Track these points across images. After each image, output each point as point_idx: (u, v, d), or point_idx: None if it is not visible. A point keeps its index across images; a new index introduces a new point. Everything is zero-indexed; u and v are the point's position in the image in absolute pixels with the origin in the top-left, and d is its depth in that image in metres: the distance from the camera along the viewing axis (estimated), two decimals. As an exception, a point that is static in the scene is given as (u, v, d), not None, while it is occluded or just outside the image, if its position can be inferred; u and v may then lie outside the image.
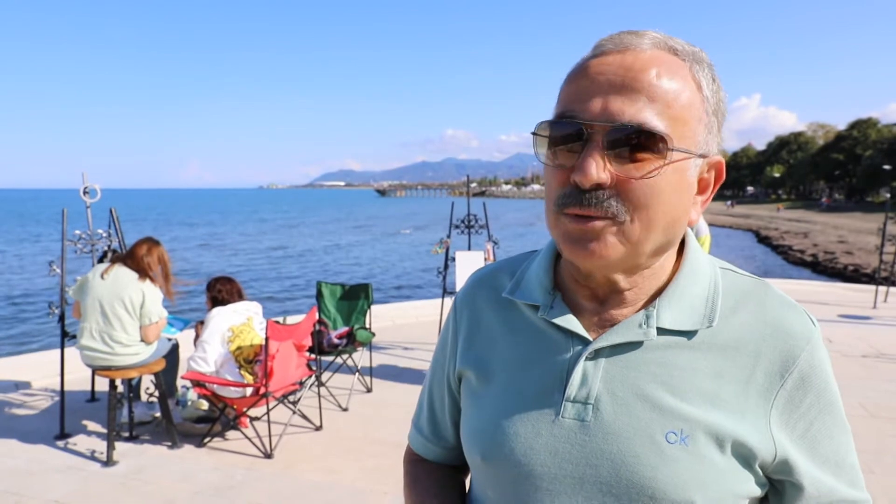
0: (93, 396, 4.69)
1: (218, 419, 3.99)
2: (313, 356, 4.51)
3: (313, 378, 4.45)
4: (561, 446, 0.71)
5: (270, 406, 3.89)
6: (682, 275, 0.74)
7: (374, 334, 5.10)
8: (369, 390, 4.94)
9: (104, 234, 4.59)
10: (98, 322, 3.68)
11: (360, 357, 5.28)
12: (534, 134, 0.70)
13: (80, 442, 3.92)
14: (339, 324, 5.24)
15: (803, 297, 8.72)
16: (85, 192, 4.55)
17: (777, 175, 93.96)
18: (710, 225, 5.05)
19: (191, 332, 5.12)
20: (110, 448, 3.62)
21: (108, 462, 3.60)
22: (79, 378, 4.87)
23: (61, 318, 4.19)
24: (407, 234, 39.35)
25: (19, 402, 4.65)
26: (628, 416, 0.69)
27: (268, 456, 3.69)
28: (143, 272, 3.79)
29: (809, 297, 8.85)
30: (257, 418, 4.18)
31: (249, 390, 3.82)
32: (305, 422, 4.20)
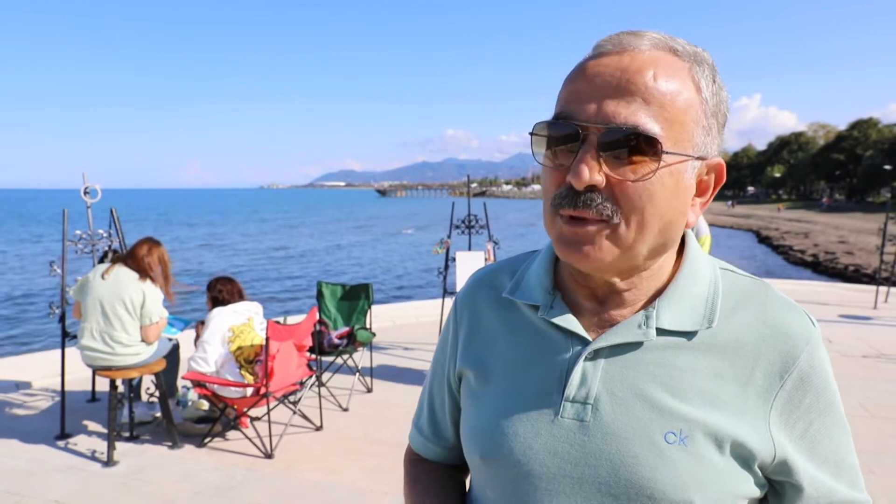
0: (93, 396, 4.70)
1: (218, 419, 3.99)
2: (314, 356, 4.51)
3: (314, 378, 4.45)
4: (560, 446, 0.71)
5: (271, 406, 3.89)
6: (681, 275, 0.74)
7: (374, 334, 5.10)
8: (370, 390, 4.94)
9: (105, 235, 4.60)
10: (99, 322, 3.68)
11: (361, 357, 5.28)
12: (532, 134, 0.70)
13: (80, 442, 3.92)
14: (339, 324, 5.24)
15: (804, 298, 8.72)
16: (86, 193, 4.55)
17: (778, 175, 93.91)
18: (711, 225, 5.05)
19: (191, 333, 5.13)
20: (111, 448, 3.62)
21: (109, 462, 3.60)
22: (79, 378, 4.88)
23: (62, 319, 4.19)
24: (408, 235, 39.36)
25: (20, 402, 4.65)
26: (627, 416, 0.69)
27: (268, 456, 3.69)
28: (144, 272, 3.79)
29: (810, 298, 8.84)
30: (258, 418, 4.18)
31: (250, 390, 3.82)
32: (306, 422, 4.20)
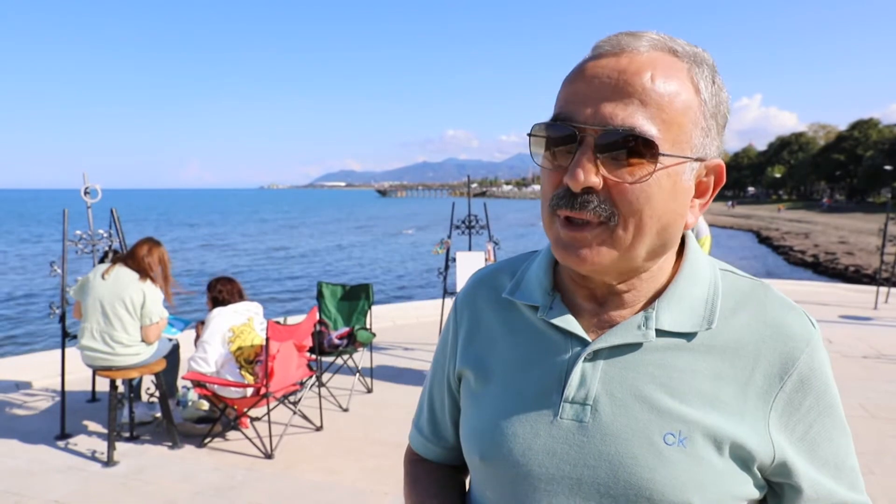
0: (93, 397, 4.70)
1: (218, 419, 3.99)
2: (314, 357, 4.51)
3: (314, 378, 4.45)
4: (559, 447, 0.71)
5: (271, 406, 3.89)
6: (681, 276, 0.73)
7: (374, 335, 5.10)
8: (370, 391, 4.94)
9: (105, 235, 4.60)
10: (99, 322, 3.68)
11: (361, 357, 5.28)
12: (530, 135, 0.70)
13: (80, 442, 3.92)
14: (339, 324, 5.24)
15: (804, 298, 8.72)
16: (86, 193, 4.55)
17: (778, 175, 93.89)
18: (711, 225, 5.05)
19: (191, 333, 5.13)
20: (111, 448, 3.62)
21: (109, 462, 3.60)
22: (79, 378, 4.88)
23: (62, 319, 4.19)
24: (409, 235, 39.36)
25: (20, 403, 4.65)
26: (626, 417, 0.69)
27: (268, 456, 3.69)
28: (144, 272, 3.79)
29: (810, 298, 8.84)
30: (258, 419, 4.18)
31: (250, 391, 3.82)
32: (306, 422, 4.20)
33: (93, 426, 4.18)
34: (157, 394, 4.25)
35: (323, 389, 4.69)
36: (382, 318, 7.41)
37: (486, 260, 5.43)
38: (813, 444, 0.71)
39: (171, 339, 4.27)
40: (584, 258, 0.66)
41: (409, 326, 7.33)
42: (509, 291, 0.82)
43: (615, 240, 0.66)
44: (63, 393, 4.10)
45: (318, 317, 4.38)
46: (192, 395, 4.27)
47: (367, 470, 3.54)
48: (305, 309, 9.03)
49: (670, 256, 0.75)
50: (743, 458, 0.68)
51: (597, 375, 0.71)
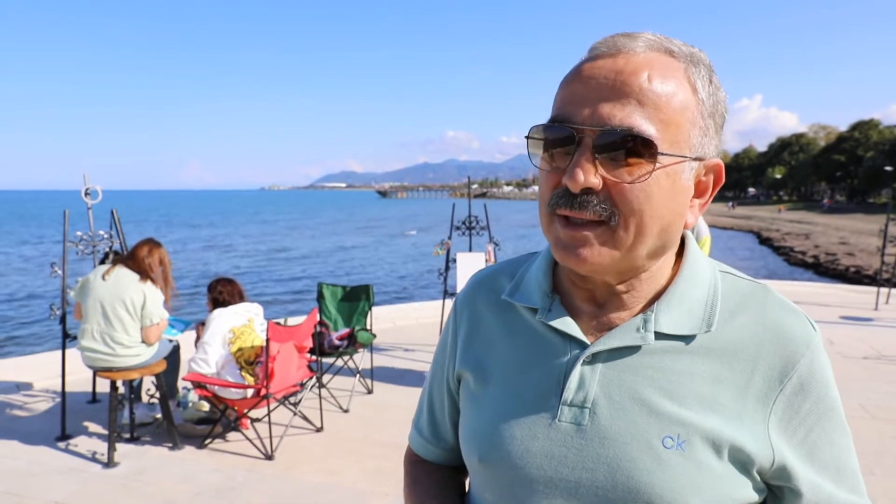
0: (94, 398, 4.70)
1: (219, 420, 3.99)
2: (314, 358, 4.51)
3: (314, 379, 4.45)
4: (557, 450, 0.71)
5: (271, 407, 3.89)
6: (681, 278, 0.73)
7: (374, 336, 5.10)
8: (370, 392, 4.94)
9: (105, 236, 4.60)
10: (99, 323, 3.68)
11: (361, 358, 5.28)
12: (528, 137, 0.70)
13: (81, 443, 3.92)
14: (339, 325, 5.24)
15: (805, 299, 8.72)
16: (86, 194, 4.56)
17: (778, 176, 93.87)
18: (711, 226, 5.05)
19: (192, 334, 5.13)
20: (111, 449, 3.62)
21: (109, 463, 3.60)
22: (80, 379, 4.88)
23: (62, 320, 4.19)
24: (412, 236, 39.36)
25: (20, 404, 4.65)
26: (625, 420, 0.68)
27: (269, 457, 3.69)
28: (145, 273, 3.79)
29: (811, 299, 8.83)
30: (258, 420, 4.17)
31: (250, 392, 3.82)
32: (306, 423, 4.20)
33: (93, 427, 4.18)
34: (157, 395, 4.25)
35: (323, 390, 4.69)
36: (383, 319, 7.41)
37: (486, 261, 5.43)
38: (813, 448, 0.70)
39: (171, 341, 4.27)
40: (585, 258, 0.66)
41: (410, 327, 7.33)
42: (508, 293, 0.82)
43: (616, 240, 0.66)
44: (63, 394, 4.10)
45: (318, 318, 4.38)
46: (193, 396, 4.27)
47: (367, 471, 3.54)
48: (307, 310, 9.04)
49: (670, 257, 0.75)
50: (742, 462, 0.68)
51: (595, 378, 0.71)
